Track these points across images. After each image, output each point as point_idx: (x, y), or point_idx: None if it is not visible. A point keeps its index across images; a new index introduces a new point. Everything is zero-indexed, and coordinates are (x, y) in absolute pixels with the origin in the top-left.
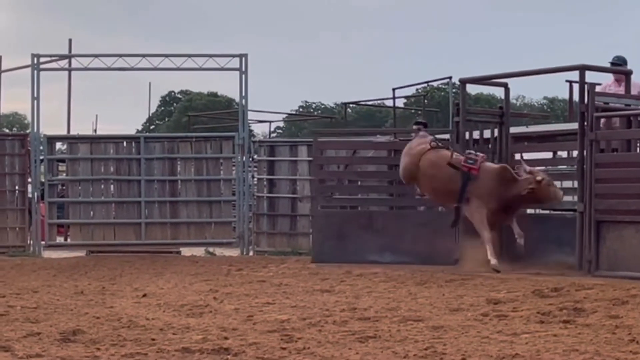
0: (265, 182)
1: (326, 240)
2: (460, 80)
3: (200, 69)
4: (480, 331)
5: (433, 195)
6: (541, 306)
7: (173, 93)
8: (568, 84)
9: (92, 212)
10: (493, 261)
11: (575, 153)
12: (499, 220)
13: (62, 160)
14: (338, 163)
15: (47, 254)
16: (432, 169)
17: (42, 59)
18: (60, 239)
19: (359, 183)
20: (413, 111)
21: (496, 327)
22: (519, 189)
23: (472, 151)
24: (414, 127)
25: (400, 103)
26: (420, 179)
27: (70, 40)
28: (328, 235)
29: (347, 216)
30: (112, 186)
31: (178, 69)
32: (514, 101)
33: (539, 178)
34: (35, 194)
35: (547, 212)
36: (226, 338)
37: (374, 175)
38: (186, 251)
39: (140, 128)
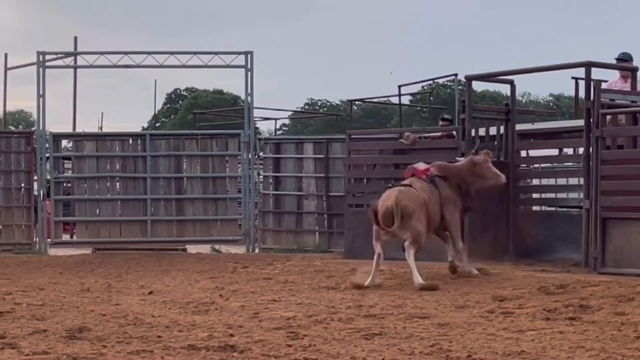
0: (271, 180)
1: (356, 237)
2: (466, 78)
3: (206, 66)
4: (486, 328)
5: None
6: (547, 303)
7: (179, 90)
8: (574, 80)
9: (98, 210)
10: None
11: (581, 150)
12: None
13: (68, 158)
14: (366, 162)
15: (53, 251)
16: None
17: (47, 57)
18: (66, 237)
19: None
20: (419, 108)
21: (502, 324)
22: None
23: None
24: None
25: (406, 100)
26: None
27: (75, 38)
28: (358, 232)
29: None
30: (117, 184)
31: (184, 66)
32: (520, 98)
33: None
34: (41, 191)
35: (553, 209)
36: (232, 335)
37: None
38: (192, 249)
39: (145, 125)
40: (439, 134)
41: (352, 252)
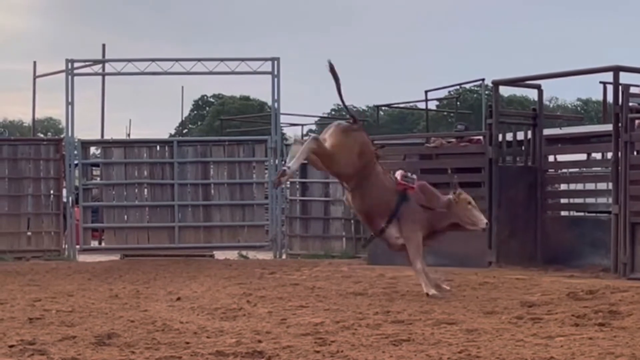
0: (297, 186)
1: (380, 243)
2: (493, 82)
3: (233, 72)
4: (514, 334)
5: (363, 213)
6: (576, 309)
7: (206, 97)
8: (602, 85)
9: (126, 216)
10: (431, 292)
11: (609, 155)
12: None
13: (96, 165)
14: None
15: (82, 257)
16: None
17: (76, 64)
18: (94, 243)
19: None
20: (445, 113)
21: (531, 330)
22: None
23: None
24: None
25: (432, 105)
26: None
27: (103, 45)
28: None
29: None
30: (145, 190)
31: (210, 73)
32: (547, 103)
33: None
34: (70, 198)
35: (582, 214)
36: (260, 341)
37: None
38: (219, 254)
39: (173, 132)
40: (454, 140)
41: (376, 259)
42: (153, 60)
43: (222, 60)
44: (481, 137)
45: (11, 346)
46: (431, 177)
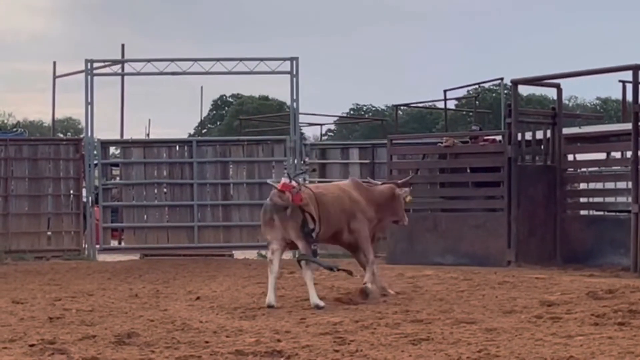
0: None
1: (398, 242)
2: (512, 81)
3: (252, 72)
4: (534, 333)
5: None
6: (595, 308)
7: (224, 97)
8: (621, 84)
9: (145, 216)
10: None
11: (629, 154)
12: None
13: (116, 165)
14: (409, 167)
15: (102, 257)
16: None
17: (95, 64)
18: (114, 243)
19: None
20: (464, 113)
21: (550, 329)
22: None
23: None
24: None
25: (451, 105)
26: None
27: (123, 46)
28: (400, 238)
29: (416, 220)
30: (165, 190)
31: (229, 72)
32: (567, 102)
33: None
34: (90, 198)
35: (602, 213)
36: (279, 340)
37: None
38: (239, 254)
39: (192, 132)
40: (467, 138)
41: (394, 258)
42: (172, 60)
43: (241, 60)
44: (496, 137)
45: (31, 345)
46: (450, 176)
